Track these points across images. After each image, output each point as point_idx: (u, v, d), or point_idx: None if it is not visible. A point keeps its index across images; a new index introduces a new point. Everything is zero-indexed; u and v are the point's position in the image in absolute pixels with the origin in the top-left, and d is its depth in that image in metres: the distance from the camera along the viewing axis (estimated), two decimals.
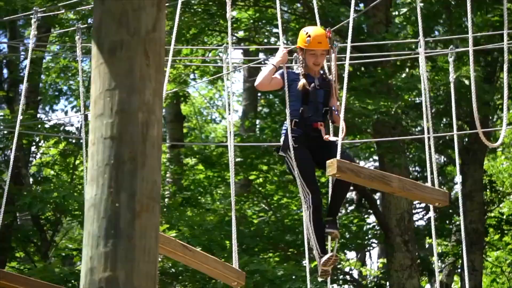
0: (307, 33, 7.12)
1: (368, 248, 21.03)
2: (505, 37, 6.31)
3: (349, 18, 6.52)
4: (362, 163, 23.46)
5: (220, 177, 17.70)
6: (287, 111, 7.09)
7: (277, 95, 17.07)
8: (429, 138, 7.15)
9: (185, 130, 23.45)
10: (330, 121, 7.19)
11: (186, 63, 17.07)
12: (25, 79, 9.39)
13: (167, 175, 19.40)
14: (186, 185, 18.20)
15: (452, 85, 8.86)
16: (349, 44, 6.52)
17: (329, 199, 7.22)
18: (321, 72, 7.23)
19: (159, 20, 4.03)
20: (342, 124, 6.49)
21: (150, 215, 3.91)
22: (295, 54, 7.33)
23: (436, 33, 15.83)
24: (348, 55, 6.60)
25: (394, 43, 13.89)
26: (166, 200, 17.95)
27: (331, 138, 6.96)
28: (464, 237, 8.27)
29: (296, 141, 6.93)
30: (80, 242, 17.20)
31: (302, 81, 7.05)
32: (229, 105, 8.04)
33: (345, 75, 6.74)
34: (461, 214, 8.03)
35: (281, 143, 7.13)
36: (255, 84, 7.20)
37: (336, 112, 6.99)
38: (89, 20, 15.13)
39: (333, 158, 6.12)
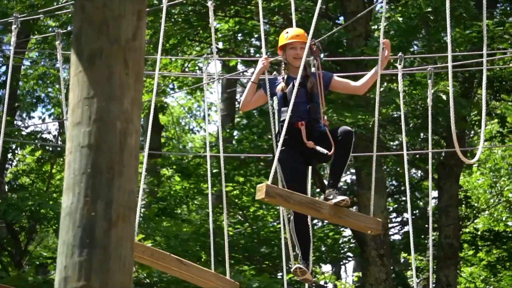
0: (286, 32, 7.43)
1: (344, 261, 21.06)
2: (485, 56, 6.32)
3: (329, 31, 6.62)
4: None
5: (197, 188, 17.66)
6: (275, 117, 7.18)
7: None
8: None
9: (163, 140, 23.41)
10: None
11: (165, 73, 17.04)
12: (7, 86, 9.25)
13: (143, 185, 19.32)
14: (163, 196, 18.14)
15: (429, 106, 8.91)
16: (304, 57, 6.71)
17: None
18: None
19: (139, 29, 4.02)
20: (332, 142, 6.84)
21: (126, 224, 3.89)
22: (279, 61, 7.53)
23: (415, 47, 15.89)
24: (301, 68, 6.74)
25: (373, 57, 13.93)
26: (142, 210, 17.88)
27: (319, 148, 6.95)
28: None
29: (284, 144, 6.77)
30: (55, 251, 17.09)
31: (281, 85, 7.21)
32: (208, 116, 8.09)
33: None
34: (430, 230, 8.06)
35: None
36: (240, 107, 7.40)
37: (323, 127, 7.08)
38: (69, 27, 15.07)
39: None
